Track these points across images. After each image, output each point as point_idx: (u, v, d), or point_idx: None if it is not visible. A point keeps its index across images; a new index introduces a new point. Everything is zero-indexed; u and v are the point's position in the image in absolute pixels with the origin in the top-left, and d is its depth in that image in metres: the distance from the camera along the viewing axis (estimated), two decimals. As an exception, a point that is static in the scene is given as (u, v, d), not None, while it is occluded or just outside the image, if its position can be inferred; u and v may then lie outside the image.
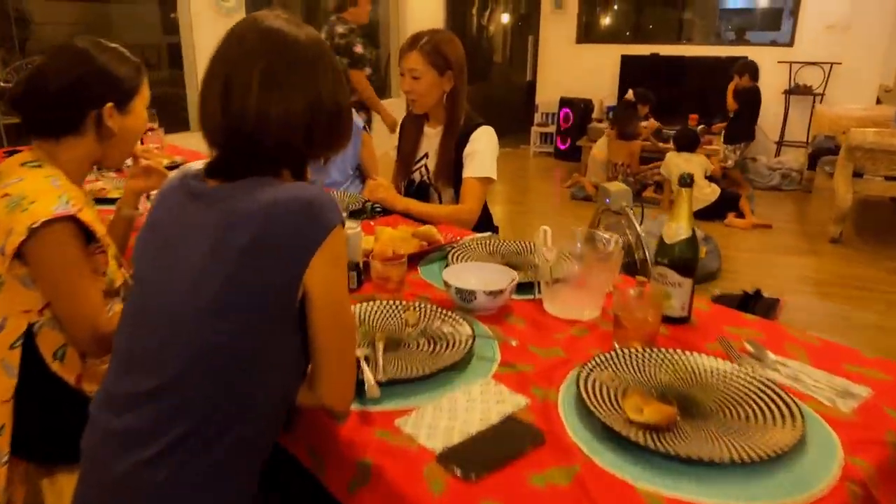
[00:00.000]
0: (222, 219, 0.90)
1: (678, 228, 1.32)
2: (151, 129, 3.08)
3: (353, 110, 2.76)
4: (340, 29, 3.96)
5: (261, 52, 0.93)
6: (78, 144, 1.31)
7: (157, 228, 1.00)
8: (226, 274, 0.87)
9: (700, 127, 6.31)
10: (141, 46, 6.81)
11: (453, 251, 1.69)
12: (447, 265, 1.61)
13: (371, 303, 1.36)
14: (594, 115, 7.40)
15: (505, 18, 9.28)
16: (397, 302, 1.37)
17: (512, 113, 8.31)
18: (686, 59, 7.13)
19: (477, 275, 1.46)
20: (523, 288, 1.47)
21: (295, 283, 0.89)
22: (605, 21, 8.28)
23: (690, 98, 6.89)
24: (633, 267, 1.78)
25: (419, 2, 7.52)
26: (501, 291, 1.35)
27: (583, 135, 7.02)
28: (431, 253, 1.73)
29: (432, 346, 1.23)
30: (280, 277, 0.88)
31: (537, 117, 7.91)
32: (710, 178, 5.30)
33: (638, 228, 1.83)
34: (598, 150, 5.99)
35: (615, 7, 8.39)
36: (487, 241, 1.79)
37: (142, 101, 1.35)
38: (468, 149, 2.15)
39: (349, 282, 1.48)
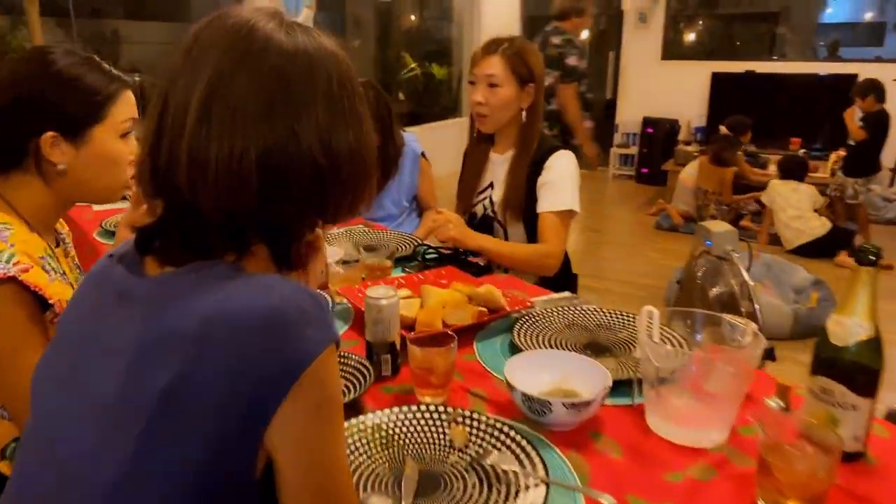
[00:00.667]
0: (143, 339, 0.56)
1: (854, 326, 0.89)
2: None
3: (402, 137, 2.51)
4: (556, 39, 3.69)
5: (211, 63, 0.59)
6: (29, 182, 1.02)
7: (63, 342, 0.67)
8: (139, 431, 0.53)
9: (802, 151, 5.65)
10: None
11: (520, 323, 1.31)
12: (512, 342, 1.23)
13: (400, 411, 0.99)
14: (681, 137, 6.84)
15: (584, 34, 8.84)
16: (440, 409, 1.00)
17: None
18: (781, 76, 6.47)
19: (553, 368, 1.08)
20: (617, 386, 1.07)
21: (248, 449, 0.54)
22: (691, 37, 7.71)
23: (787, 119, 6.23)
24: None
25: (494, 18, 7.22)
26: (588, 404, 0.96)
27: (668, 157, 6.47)
28: (491, 322, 1.35)
29: (486, 489, 0.85)
30: (221, 443, 0.53)
31: (617, 137, 7.41)
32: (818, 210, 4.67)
33: (746, 277, 1.43)
34: (687, 175, 5.44)
35: (701, 22, 7.83)
36: (567, 309, 1.40)
37: (110, 128, 1.05)
38: (543, 178, 1.79)
39: (382, 367, 1.13)
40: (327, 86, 0.62)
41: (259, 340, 0.53)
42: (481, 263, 1.75)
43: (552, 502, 0.82)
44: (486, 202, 1.91)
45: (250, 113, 0.58)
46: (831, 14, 8.17)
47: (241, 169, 0.58)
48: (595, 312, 1.39)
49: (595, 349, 1.26)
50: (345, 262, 1.54)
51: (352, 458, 0.90)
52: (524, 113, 1.81)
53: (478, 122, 1.84)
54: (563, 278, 1.85)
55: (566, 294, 1.54)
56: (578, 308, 1.41)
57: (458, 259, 1.73)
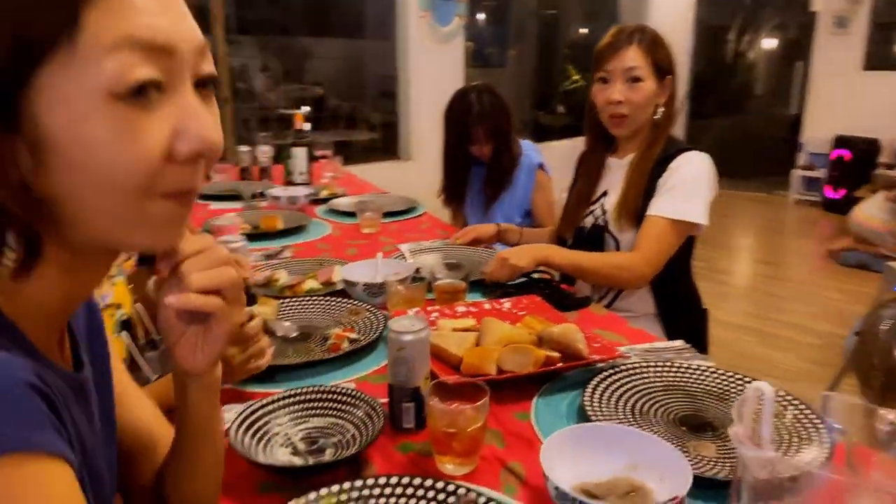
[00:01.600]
0: None
1: None
2: (325, 157, 2.86)
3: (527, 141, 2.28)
4: None
5: None
6: None
7: None
8: None
9: None
10: (382, 77, 7.08)
11: (599, 379, 1.02)
12: (581, 406, 0.96)
13: (386, 483, 0.77)
14: (882, 159, 5.82)
15: (769, 43, 7.95)
16: (448, 488, 0.76)
17: (769, 152, 7.01)
18: None
19: (622, 450, 0.80)
20: (710, 483, 0.77)
21: None
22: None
23: None
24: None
25: (666, 28, 6.69)
26: (644, 517, 0.67)
27: (863, 182, 5.53)
28: (563, 373, 1.08)
29: None
30: None
31: (801, 158, 6.50)
32: None
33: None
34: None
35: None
36: (669, 366, 1.09)
37: None
38: (666, 179, 1.50)
39: (402, 418, 0.91)
40: None
41: None
42: (579, 295, 1.47)
43: None
44: (598, 211, 1.62)
45: None
46: None
47: None
48: (706, 374, 1.07)
49: (694, 425, 0.95)
50: (414, 280, 1.35)
51: (317, 540, 0.70)
52: (659, 109, 1.53)
53: (611, 125, 1.57)
54: (683, 315, 1.52)
55: (676, 343, 1.21)
56: (685, 365, 1.09)
57: (551, 286, 1.46)
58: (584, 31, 9.17)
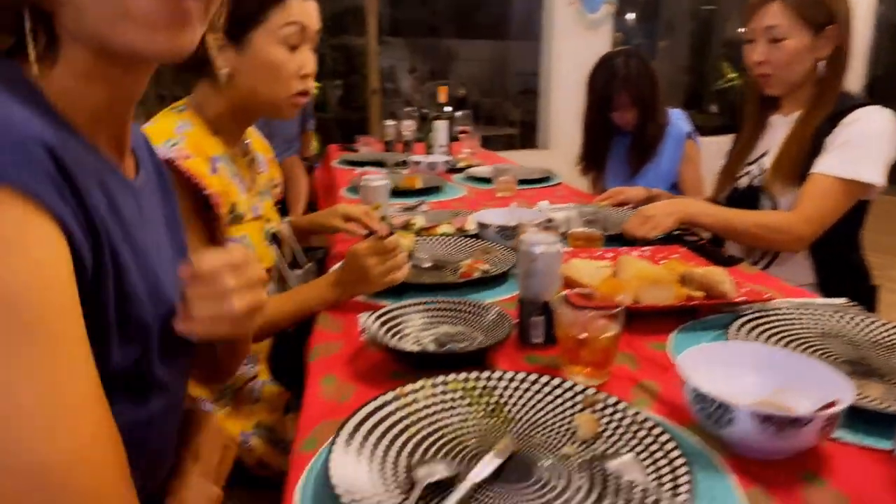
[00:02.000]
0: None
1: None
2: (464, 132, 2.90)
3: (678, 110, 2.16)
4: None
5: None
6: (209, 90, 1.05)
7: None
8: None
9: None
10: (527, 75, 7.08)
11: (745, 319, 0.95)
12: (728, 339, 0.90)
13: (525, 379, 0.76)
14: None
15: None
16: (576, 388, 0.74)
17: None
18: None
19: (770, 371, 0.73)
20: (877, 422, 0.69)
21: None
22: None
23: None
24: None
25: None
26: (796, 423, 0.61)
27: None
28: (705, 314, 1.01)
29: (591, 496, 0.58)
30: None
31: None
32: None
33: None
34: None
35: None
36: (829, 316, 0.98)
37: (269, 32, 1.01)
38: (836, 135, 1.36)
39: (531, 332, 0.90)
40: None
41: None
42: (730, 254, 1.37)
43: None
44: (755, 170, 1.50)
45: None
46: None
47: None
48: (874, 325, 0.95)
49: (859, 370, 0.85)
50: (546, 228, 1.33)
51: (443, 415, 0.71)
52: (822, 64, 1.40)
53: (762, 84, 1.47)
54: (848, 288, 1.37)
55: (838, 301, 1.09)
56: (848, 315, 0.98)
57: (696, 244, 1.37)
58: (743, 29, 8.57)
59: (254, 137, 1.24)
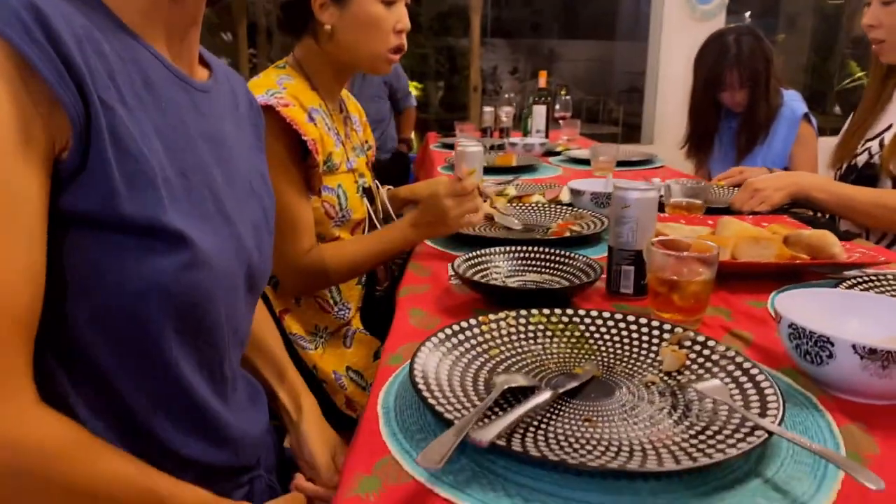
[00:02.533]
0: None
1: None
2: (563, 118, 2.88)
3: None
4: None
5: None
6: (310, 46, 1.12)
7: None
8: None
9: None
10: (633, 73, 6.90)
11: (853, 281, 0.89)
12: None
13: (610, 317, 0.75)
14: None
15: None
16: (664, 326, 0.72)
17: None
18: None
19: (887, 320, 0.69)
20: None
21: None
22: None
23: None
24: None
25: None
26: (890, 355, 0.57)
27: None
28: (810, 279, 0.95)
29: (673, 416, 0.57)
30: None
31: None
32: None
33: None
34: None
35: None
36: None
37: None
38: None
39: (620, 281, 0.89)
40: None
41: None
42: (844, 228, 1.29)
43: (785, 472, 0.50)
44: (875, 147, 1.40)
45: None
46: None
47: None
48: None
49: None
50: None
51: (524, 343, 0.72)
52: None
53: (876, 51, 1.37)
54: None
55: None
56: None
57: (812, 219, 1.30)
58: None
59: (351, 100, 1.30)
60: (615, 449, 0.52)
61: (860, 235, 1.27)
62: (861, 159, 1.43)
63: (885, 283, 0.89)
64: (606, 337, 0.73)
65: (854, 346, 0.58)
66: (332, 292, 1.17)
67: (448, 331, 0.70)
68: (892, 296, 0.86)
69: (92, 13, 0.52)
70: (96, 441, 0.50)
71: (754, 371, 0.61)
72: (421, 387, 0.58)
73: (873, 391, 0.60)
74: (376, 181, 1.32)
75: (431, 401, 0.56)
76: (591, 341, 0.72)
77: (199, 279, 0.54)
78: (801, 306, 0.67)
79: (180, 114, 0.58)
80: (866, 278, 0.90)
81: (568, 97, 2.93)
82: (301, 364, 1.11)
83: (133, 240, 0.50)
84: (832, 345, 0.59)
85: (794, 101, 1.99)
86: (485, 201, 1.08)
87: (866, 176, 1.40)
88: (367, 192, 1.23)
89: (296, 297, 1.13)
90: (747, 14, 6.72)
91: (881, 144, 1.39)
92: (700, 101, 2.06)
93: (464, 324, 0.72)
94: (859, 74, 7.18)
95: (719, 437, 0.52)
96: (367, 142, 1.32)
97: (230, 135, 0.67)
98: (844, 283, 0.88)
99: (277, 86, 1.04)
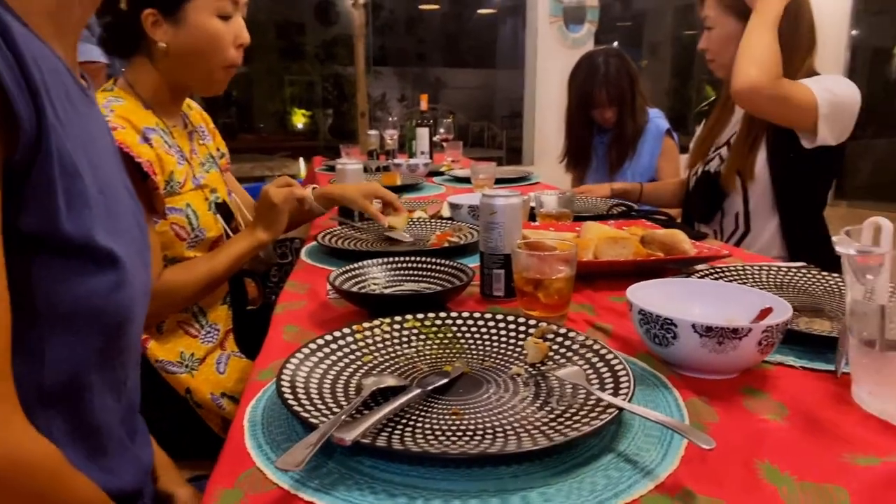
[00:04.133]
0: None
1: None
2: (447, 140, 2.95)
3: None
4: None
5: None
6: (144, 64, 1.07)
7: None
8: None
9: None
10: (513, 99, 7.16)
11: (701, 273, 0.97)
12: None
13: (480, 317, 0.78)
14: None
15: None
16: (529, 322, 0.76)
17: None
18: None
19: (713, 300, 0.75)
20: (821, 346, 0.71)
21: None
22: None
23: None
24: None
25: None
26: (734, 333, 0.62)
27: None
28: (666, 275, 1.03)
29: (537, 402, 0.60)
30: None
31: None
32: None
33: None
34: None
35: None
36: (786, 272, 1.01)
37: (204, 5, 1.03)
38: None
39: (492, 284, 0.92)
40: None
41: None
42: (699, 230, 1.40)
43: (635, 445, 0.53)
44: (724, 152, 1.56)
45: None
46: None
47: None
48: (829, 279, 0.97)
49: (809, 311, 0.87)
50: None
51: (397, 348, 0.72)
52: None
53: (711, 69, 1.57)
54: (811, 241, 1.41)
55: (798, 264, 1.12)
56: (804, 272, 1.00)
57: (667, 222, 1.40)
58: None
59: (194, 109, 1.26)
60: (479, 437, 0.53)
61: (708, 236, 1.39)
62: (713, 164, 1.57)
63: (729, 274, 0.98)
64: (477, 336, 0.75)
65: (693, 326, 0.63)
66: (195, 316, 1.12)
67: (321, 340, 0.69)
68: (736, 281, 0.95)
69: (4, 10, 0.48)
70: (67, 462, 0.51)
71: (609, 356, 0.65)
72: (287, 395, 0.57)
73: (712, 367, 0.66)
74: (233, 196, 1.27)
75: (297, 408, 0.55)
76: (463, 341, 0.74)
77: (125, 298, 0.54)
78: (650, 295, 0.73)
79: (90, 127, 0.56)
80: (712, 270, 0.98)
81: (450, 120, 3.00)
82: (171, 391, 1.05)
83: (69, 261, 0.49)
84: (675, 326, 0.65)
85: (657, 119, 2.16)
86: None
87: (715, 181, 1.54)
88: (222, 208, 1.19)
89: (156, 325, 1.08)
90: (615, 43, 7.23)
91: (721, 157, 1.54)
92: (574, 117, 2.19)
93: (337, 333, 0.72)
94: (714, 97, 7.90)
95: (576, 418, 0.55)
96: (218, 149, 1.29)
97: (109, 147, 0.65)
98: (695, 276, 0.96)
99: (105, 109, 0.98)
